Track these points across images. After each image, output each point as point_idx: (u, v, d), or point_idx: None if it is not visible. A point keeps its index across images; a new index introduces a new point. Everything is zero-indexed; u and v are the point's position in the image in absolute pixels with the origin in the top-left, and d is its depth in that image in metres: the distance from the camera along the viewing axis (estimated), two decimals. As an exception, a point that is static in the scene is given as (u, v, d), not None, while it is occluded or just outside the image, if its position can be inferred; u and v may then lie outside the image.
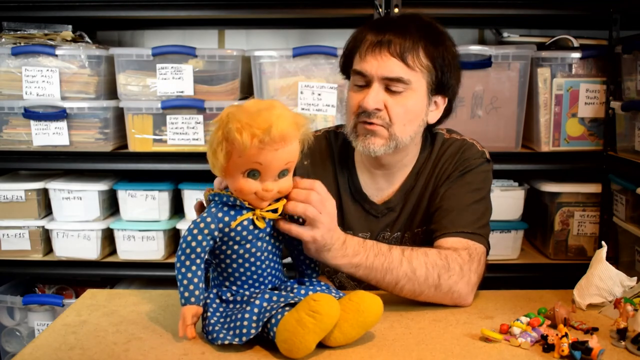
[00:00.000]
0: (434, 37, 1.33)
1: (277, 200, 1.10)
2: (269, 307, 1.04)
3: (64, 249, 2.26)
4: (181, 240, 1.07)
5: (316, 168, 1.47)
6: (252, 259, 1.09)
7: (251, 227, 1.08)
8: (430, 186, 1.42)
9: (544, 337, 1.08)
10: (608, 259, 1.29)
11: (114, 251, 2.31)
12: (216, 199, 1.09)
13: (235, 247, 1.09)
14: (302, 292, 1.09)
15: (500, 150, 2.15)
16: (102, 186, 2.25)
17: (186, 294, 1.07)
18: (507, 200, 2.20)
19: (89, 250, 2.26)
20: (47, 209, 2.31)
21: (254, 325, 1.03)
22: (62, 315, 1.23)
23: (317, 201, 1.11)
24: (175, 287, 1.09)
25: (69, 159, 2.22)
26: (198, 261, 1.07)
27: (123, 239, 2.26)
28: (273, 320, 1.02)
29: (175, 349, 1.07)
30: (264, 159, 1.02)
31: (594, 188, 2.20)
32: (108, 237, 2.30)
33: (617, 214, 2.13)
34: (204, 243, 1.06)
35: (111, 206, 2.33)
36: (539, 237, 2.35)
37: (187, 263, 1.07)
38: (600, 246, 1.31)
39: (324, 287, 1.13)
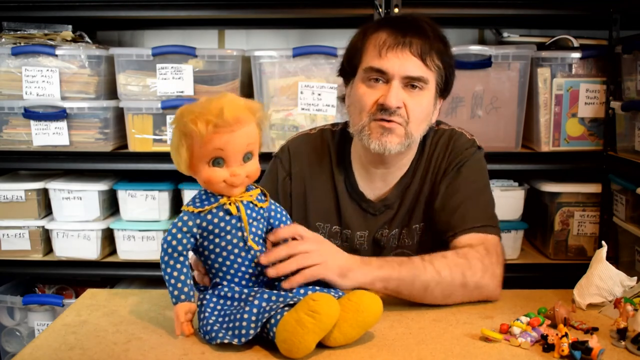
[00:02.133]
0: (442, 39, 1.36)
1: (249, 190, 1.12)
2: (268, 307, 1.04)
3: (64, 249, 2.26)
4: (162, 242, 1.10)
5: (313, 167, 1.47)
6: (236, 250, 1.10)
7: (227, 217, 1.09)
8: (427, 181, 1.43)
9: (544, 337, 1.08)
10: (608, 259, 1.29)
11: (114, 251, 2.31)
12: (190, 201, 1.11)
13: (217, 240, 1.10)
14: (302, 291, 1.10)
15: (500, 150, 2.15)
16: (102, 186, 2.25)
17: (175, 293, 1.09)
18: (507, 200, 2.20)
19: (89, 250, 2.26)
20: (47, 209, 2.31)
21: (253, 325, 1.03)
22: (62, 315, 1.23)
23: (306, 243, 1.15)
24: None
25: (69, 159, 2.22)
26: (182, 259, 1.09)
27: (123, 239, 2.26)
28: (272, 321, 1.02)
29: (175, 349, 1.07)
30: (223, 143, 1.04)
31: (594, 188, 2.20)
32: (108, 237, 2.30)
33: (617, 214, 2.13)
34: (185, 241, 1.09)
35: (111, 206, 2.33)
36: (539, 237, 2.34)
37: (172, 262, 1.09)
38: (600, 246, 1.31)
39: (323, 287, 1.13)
